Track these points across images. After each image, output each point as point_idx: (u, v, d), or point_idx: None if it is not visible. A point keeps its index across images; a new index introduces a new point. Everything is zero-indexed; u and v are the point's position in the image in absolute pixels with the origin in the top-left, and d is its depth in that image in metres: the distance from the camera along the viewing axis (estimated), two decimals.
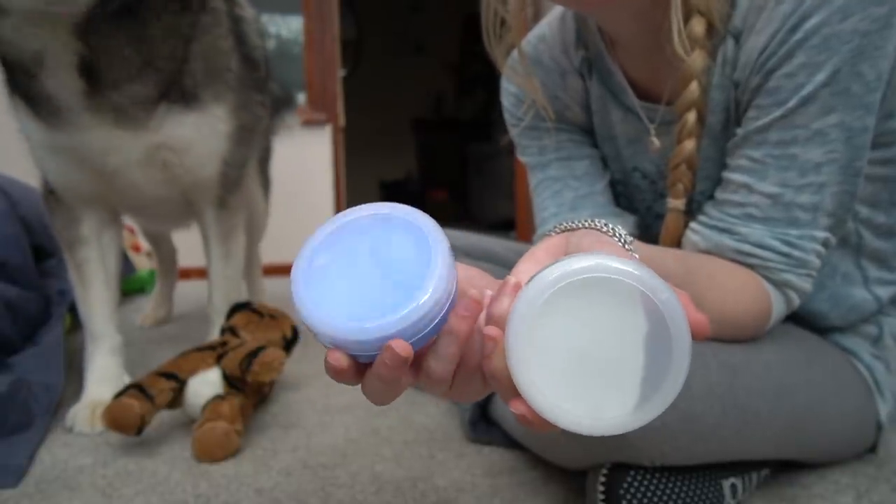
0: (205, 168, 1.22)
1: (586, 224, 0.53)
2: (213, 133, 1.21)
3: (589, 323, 0.40)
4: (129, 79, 1.06)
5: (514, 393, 0.41)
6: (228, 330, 1.27)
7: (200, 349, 1.18)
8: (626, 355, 0.40)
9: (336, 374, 0.42)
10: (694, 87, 0.75)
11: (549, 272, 0.40)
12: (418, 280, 0.41)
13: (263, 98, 1.39)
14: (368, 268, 0.42)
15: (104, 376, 1.20)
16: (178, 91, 1.13)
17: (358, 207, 0.45)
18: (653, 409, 0.40)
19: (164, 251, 2.08)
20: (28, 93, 1.07)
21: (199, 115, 1.17)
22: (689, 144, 0.77)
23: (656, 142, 0.84)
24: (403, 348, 0.40)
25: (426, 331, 0.41)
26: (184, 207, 1.35)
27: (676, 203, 0.80)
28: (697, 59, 0.73)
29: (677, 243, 0.81)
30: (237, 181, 1.33)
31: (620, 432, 0.40)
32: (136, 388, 1.02)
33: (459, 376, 0.46)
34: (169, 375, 1.08)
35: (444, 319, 0.42)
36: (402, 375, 0.42)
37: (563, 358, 0.40)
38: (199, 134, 1.18)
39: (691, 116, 0.76)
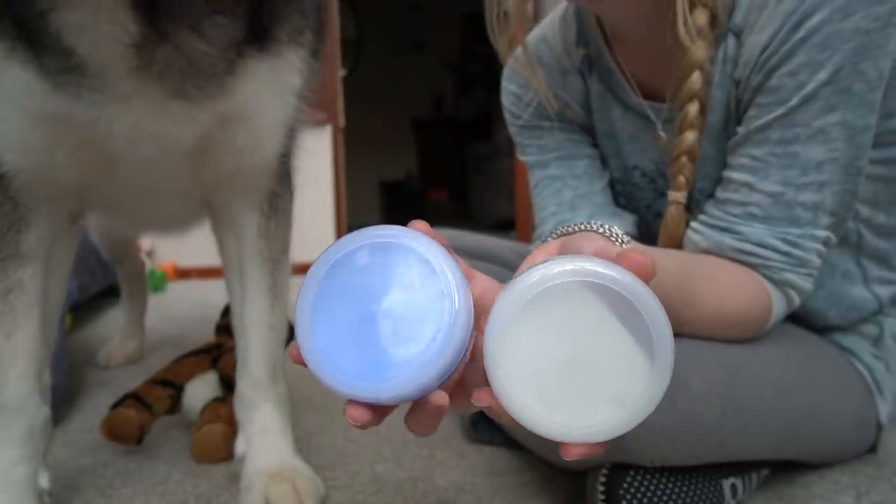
0: (264, 145, 0.81)
1: (582, 227, 0.53)
2: (285, 90, 0.80)
3: (560, 334, 0.40)
4: (207, 13, 0.67)
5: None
6: (223, 329, 1.27)
7: (195, 353, 1.18)
8: (606, 353, 0.40)
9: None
10: (696, 77, 0.75)
11: (498, 304, 0.40)
12: (440, 319, 0.39)
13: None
14: (376, 312, 0.40)
15: (5, 483, 0.74)
16: (253, 28, 0.73)
17: (363, 233, 0.41)
18: (652, 392, 0.39)
19: (128, 267, 1.63)
20: (30, 32, 0.65)
21: (273, 63, 0.76)
22: (691, 136, 0.77)
23: (663, 135, 0.83)
24: (358, 418, 0.40)
25: (430, 389, 0.41)
26: (195, 208, 0.95)
27: (677, 195, 0.80)
28: (699, 49, 0.73)
29: (677, 237, 0.81)
30: (291, 166, 0.91)
31: (627, 428, 0.40)
32: (133, 398, 1.02)
33: (456, 400, 0.46)
34: (165, 383, 1.08)
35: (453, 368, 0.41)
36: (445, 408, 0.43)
37: (546, 375, 0.40)
38: (270, 92, 0.78)
39: (693, 108, 0.76)
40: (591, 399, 0.40)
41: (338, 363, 0.40)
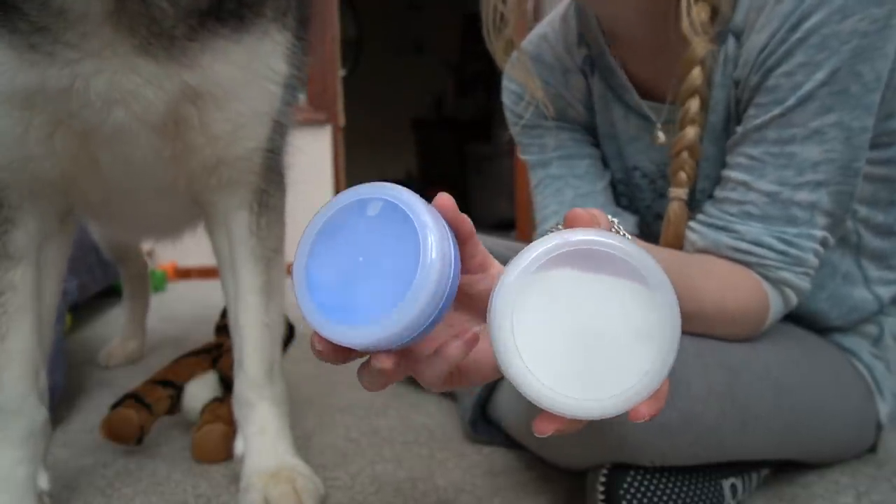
0: (244, 136, 0.79)
1: None
2: (267, 75, 0.78)
3: (564, 304, 0.40)
4: None
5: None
6: (223, 329, 1.27)
7: (195, 353, 1.18)
8: (614, 320, 0.40)
9: (319, 355, 0.43)
10: (696, 73, 0.75)
11: (502, 279, 0.41)
12: (407, 285, 0.40)
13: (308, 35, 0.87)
14: (363, 265, 0.42)
15: (5, 484, 0.75)
16: (232, 2, 0.72)
17: (352, 190, 0.44)
18: (665, 356, 0.39)
19: (131, 267, 1.63)
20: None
21: (254, 44, 0.75)
22: (691, 132, 0.77)
23: (662, 136, 0.83)
24: (385, 361, 0.42)
25: (422, 328, 0.41)
26: (185, 209, 0.94)
27: (679, 192, 0.80)
28: (700, 45, 0.73)
29: (680, 234, 0.80)
30: (282, 164, 0.90)
31: (645, 396, 0.40)
32: (133, 398, 1.02)
33: (457, 377, 0.47)
34: (165, 383, 1.08)
35: (442, 310, 0.42)
36: (391, 374, 0.44)
37: (554, 347, 0.40)
38: (249, 74, 0.76)
39: (693, 103, 0.76)
40: (599, 373, 0.40)
41: (318, 298, 0.42)
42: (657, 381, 0.39)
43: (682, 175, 0.79)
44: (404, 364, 0.45)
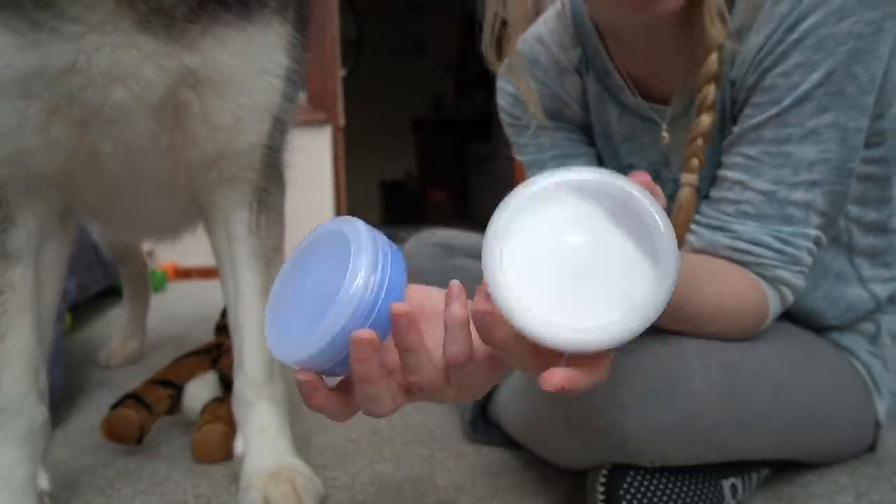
0: (245, 129, 0.79)
1: None
2: (268, 66, 0.78)
3: (561, 237, 0.40)
4: None
5: (534, 360, 0.43)
6: (223, 329, 1.27)
7: (195, 353, 1.18)
8: (608, 257, 0.40)
9: (300, 386, 0.47)
10: (713, 59, 0.74)
11: (501, 206, 0.41)
12: (331, 304, 0.44)
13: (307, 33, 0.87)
14: (311, 290, 0.47)
15: (5, 484, 0.75)
16: None
17: (324, 224, 0.49)
18: (656, 295, 0.39)
19: (131, 267, 1.64)
20: None
21: (256, 34, 0.75)
22: (707, 119, 0.76)
23: (666, 136, 0.83)
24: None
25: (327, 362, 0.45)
26: (184, 208, 0.93)
27: (689, 178, 0.79)
28: (719, 31, 0.72)
29: (689, 220, 0.80)
30: (282, 162, 0.90)
31: (626, 335, 0.39)
32: (133, 398, 1.02)
33: (455, 376, 0.47)
34: (165, 383, 1.08)
35: (379, 315, 0.44)
36: (376, 367, 0.45)
37: (546, 276, 0.40)
38: (250, 64, 0.76)
39: (710, 90, 0.75)
40: (592, 301, 0.40)
41: (273, 320, 0.48)
42: (647, 315, 0.39)
43: (695, 161, 0.78)
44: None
